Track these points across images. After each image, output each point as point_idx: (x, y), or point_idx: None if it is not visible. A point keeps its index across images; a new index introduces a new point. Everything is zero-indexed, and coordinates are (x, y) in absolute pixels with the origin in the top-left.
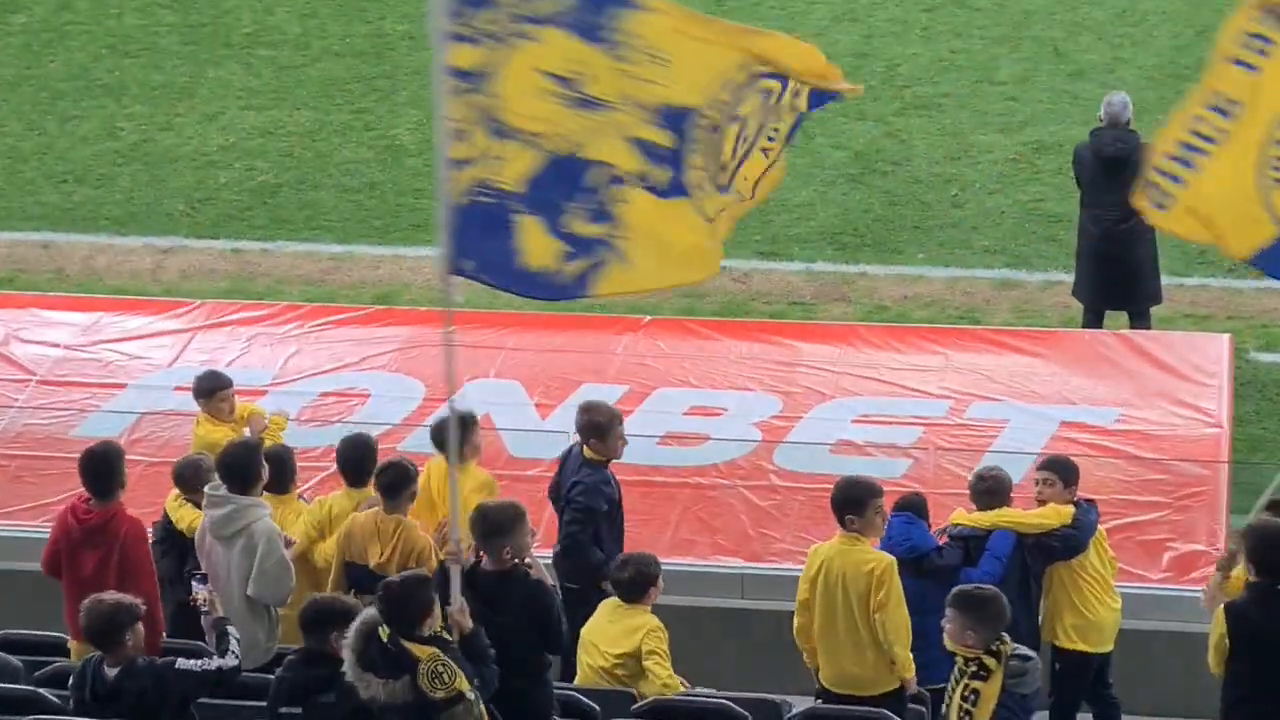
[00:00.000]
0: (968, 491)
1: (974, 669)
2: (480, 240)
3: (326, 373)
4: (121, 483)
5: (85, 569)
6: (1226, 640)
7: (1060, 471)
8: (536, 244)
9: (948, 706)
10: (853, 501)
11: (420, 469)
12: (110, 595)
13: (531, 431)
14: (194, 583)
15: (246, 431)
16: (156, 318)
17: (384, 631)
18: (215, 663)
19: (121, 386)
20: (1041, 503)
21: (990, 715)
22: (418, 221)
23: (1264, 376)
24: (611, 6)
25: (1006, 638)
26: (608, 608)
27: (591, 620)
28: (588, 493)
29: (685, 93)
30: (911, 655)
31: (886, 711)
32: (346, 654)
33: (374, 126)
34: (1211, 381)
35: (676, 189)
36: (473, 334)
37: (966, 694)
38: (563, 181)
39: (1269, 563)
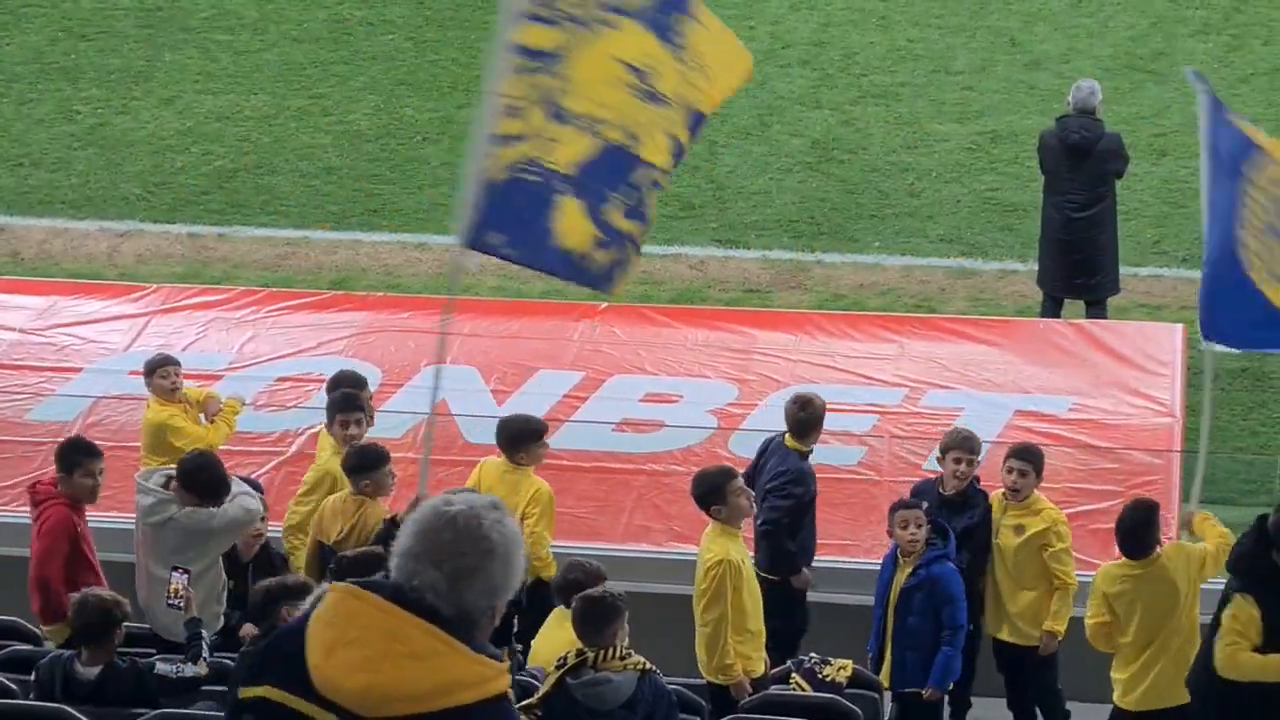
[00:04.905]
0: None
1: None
2: (516, 216)
3: (283, 358)
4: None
5: (31, 547)
6: (1257, 631)
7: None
8: (573, 226)
9: None
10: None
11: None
12: (105, 593)
13: (488, 418)
14: (173, 574)
15: (201, 417)
16: (112, 302)
17: None
18: (189, 670)
19: (77, 370)
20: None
21: None
22: (374, 207)
23: (1217, 366)
24: (677, 11)
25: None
26: (559, 618)
27: (543, 632)
28: (796, 480)
29: (706, 100)
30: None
31: (841, 699)
32: None
33: (331, 112)
34: (1164, 371)
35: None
36: (428, 320)
37: None
38: (612, 172)
39: None
